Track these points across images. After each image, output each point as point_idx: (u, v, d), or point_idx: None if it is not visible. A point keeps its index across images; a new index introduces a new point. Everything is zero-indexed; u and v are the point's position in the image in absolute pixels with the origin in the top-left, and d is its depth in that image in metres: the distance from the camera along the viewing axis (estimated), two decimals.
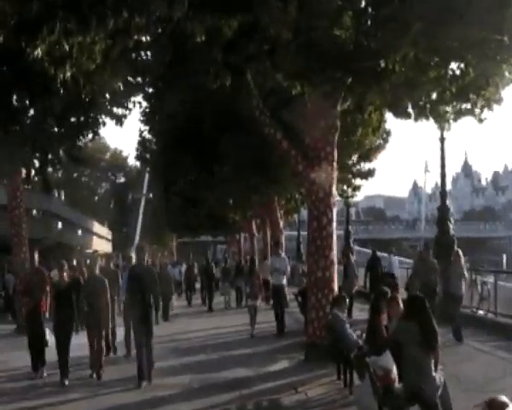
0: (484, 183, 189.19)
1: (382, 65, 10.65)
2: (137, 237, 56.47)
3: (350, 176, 23.94)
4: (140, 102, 20.36)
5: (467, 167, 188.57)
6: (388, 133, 22.90)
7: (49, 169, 30.47)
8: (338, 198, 18.44)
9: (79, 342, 12.15)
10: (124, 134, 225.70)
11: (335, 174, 13.07)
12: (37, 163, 21.31)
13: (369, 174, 24.65)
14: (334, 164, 12.91)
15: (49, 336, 12.01)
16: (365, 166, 24.29)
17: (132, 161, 78.19)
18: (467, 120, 12.75)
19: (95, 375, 11.51)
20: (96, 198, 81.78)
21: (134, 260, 12.90)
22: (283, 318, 16.90)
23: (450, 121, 12.46)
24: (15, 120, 17.08)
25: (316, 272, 12.68)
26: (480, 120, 11.85)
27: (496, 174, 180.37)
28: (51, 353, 11.64)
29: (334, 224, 12.94)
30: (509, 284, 18.30)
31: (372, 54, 10.39)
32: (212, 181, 23.96)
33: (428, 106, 12.09)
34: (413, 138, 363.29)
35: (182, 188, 27.91)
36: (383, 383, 7.35)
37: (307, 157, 12.87)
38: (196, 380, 11.23)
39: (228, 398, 9.93)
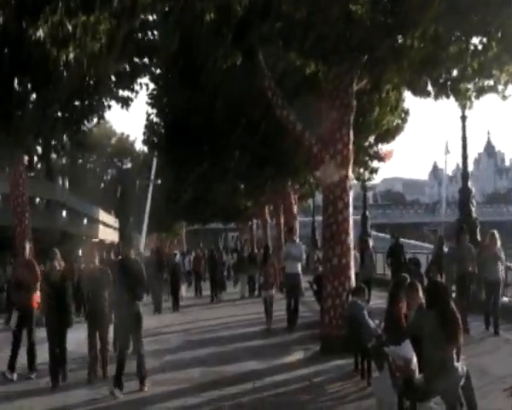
0: (508, 163, 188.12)
1: (400, 41, 10.61)
2: (145, 226, 56.57)
3: (367, 158, 23.88)
4: (147, 84, 20.44)
5: (490, 147, 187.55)
6: (407, 113, 22.76)
7: (53, 156, 30.68)
8: (354, 181, 18.42)
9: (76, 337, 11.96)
10: (130, 118, 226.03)
11: (351, 156, 13.05)
12: (39, 149, 21.45)
13: (386, 157, 24.57)
14: (350, 146, 12.89)
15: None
16: (383, 147, 24.23)
17: (139, 146, 78.31)
18: (489, 98, 12.76)
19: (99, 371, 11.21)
20: (102, 185, 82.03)
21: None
22: (297, 309, 16.41)
23: (472, 99, 12.40)
24: (17, 105, 17.16)
25: (331, 259, 12.69)
26: (504, 97, 11.80)
27: None
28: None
29: (351, 208, 12.94)
30: None
31: (389, 30, 10.35)
32: (224, 169, 24.02)
33: (449, 83, 12.05)
34: (433, 118, 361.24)
35: (193, 175, 27.97)
36: (403, 374, 7.36)
37: (322, 139, 12.87)
38: (208, 373, 11.30)
39: (240, 391, 9.99)
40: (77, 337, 12.09)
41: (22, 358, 11.65)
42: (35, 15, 8.12)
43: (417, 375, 7.27)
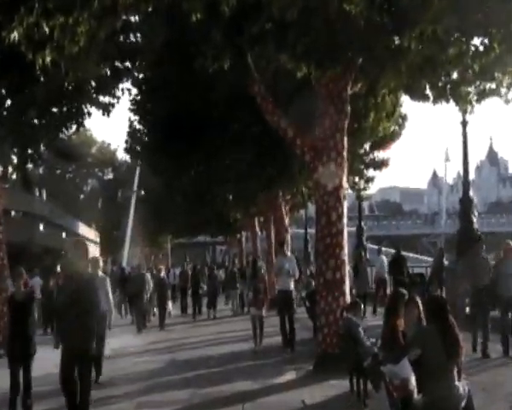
0: (511, 171, 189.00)
1: (397, 42, 10.65)
2: (128, 239, 56.50)
3: (362, 166, 23.96)
4: (129, 89, 20.35)
5: (492, 154, 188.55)
6: (404, 118, 22.89)
7: (30, 165, 30.52)
8: (349, 191, 18.47)
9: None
10: (111, 126, 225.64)
11: (346, 165, 13.09)
12: (15, 159, 21.34)
13: (383, 164, 24.65)
14: (345, 153, 12.93)
15: None
16: (379, 155, 24.31)
17: (122, 155, 78.20)
18: (492, 102, 12.75)
19: None
20: (82, 197, 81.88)
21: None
22: (293, 328, 15.91)
23: (473, 103, 12.44)
24: None
25: (325, 273, 12.70)
26: (507, 101, 11.86)
27: None
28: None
29: (345, 220, 12.97)
30: None
31: (386, 31, 10.39)
32: (214, 177, 23.99)
33: (449, 87, 12.10)
34: (432, 124, 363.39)
35: (178, 185, 27.95)
36: (400, 394, 7.36)
37: (315, 146, 12.90)
38: (196, 395, 11.25)
39: None
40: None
41: None
42: (9, 16, 8.10)
43: (416, 395, 7.26)
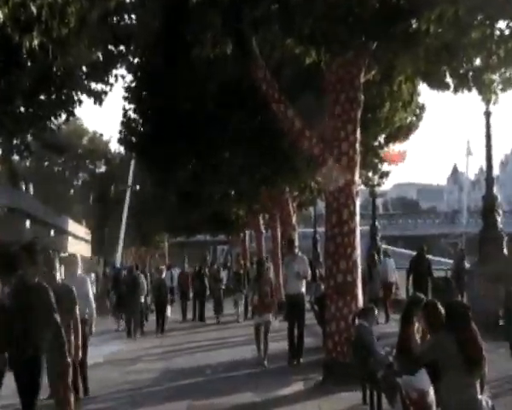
0: None
1: (414, 26, 10.62)
2: (122, 238, 56.48)
3: (376, 160, 23.93)
4: (123, 76, 20.36)
5: None
6: (422, 108, 22.83)
7: (15, 157, 30.56)
8: (362, 187, 18.44)
9: None
10: (104, 115, 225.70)
11: (358, 158, 13.07)
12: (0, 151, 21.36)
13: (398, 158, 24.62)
14: (357, 146, 12.91)
15: None
16: (394, 148, 24.25)
17: (115, 147, 78.10)
18: None
19: None
20: (72, 192, 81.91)
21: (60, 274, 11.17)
22: (302, 337, 15.58)
23: (498, 92, 12.40)
24: None
25: (336, 276, 12.68)
26: None
27: None
28: None
29: (358, 218, 12.95)
30: None
31: (402, 13, 10.36)
32: (214, 171, 23.98)
33: (471, 74, 12.07)
34: (452, 115, 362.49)
35: (177, 179, 27.94)
36: (418, 408, 7.35)
37: (324, 139, 12.88)
38: (194, 407, 11.27)
39: None
40: None
41: None
42: None
43: (434, 409, 7.26)
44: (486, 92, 12.51)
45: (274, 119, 14.31)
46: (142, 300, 23.89)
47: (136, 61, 20.99)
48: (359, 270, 13.10)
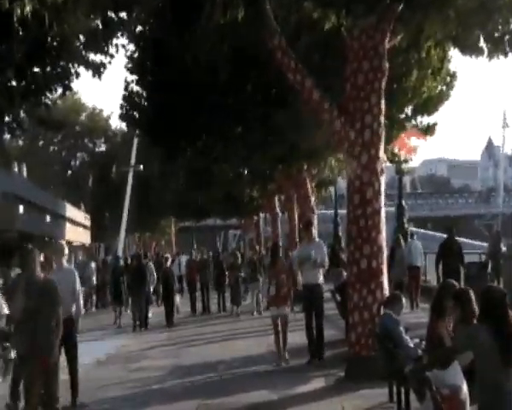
0: None
1: None
2: (124, 223, 56.62)
3: (403, 134, 23.86)
4: (125, 46, 20.33)
5: None
6: (453, 77, 22.73)
7: (7, 136, 30.66)
8: (387, 164, 18.35)
9: None
10: (104, 88, 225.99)
11: (383, 132, 13.05)
12: None
13: (428, 131, 24.51)
14: (382, 118, 12.89)
15: None
16: (423, 120, 24.19)
17: (116, 123, 78.24)
18: None
19: None
20: (69, 173, 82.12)
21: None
22: (322, 332, 15.24)
23: None
24: None
25: (359, 262, 12.70)
26: None
27: None
28: None
29: (383, 198, 12.95)
30: None
31: None
32: (227, 148, 23.99)
33: (507, 37, 12.00)
34: (487, 83, 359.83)
35: (186, 156, 27.94)
36: (450, 405, 7.37)
37: (346, 111, 12.86)
38: (205, 407, 11.35)
39: None
40: None
41: None
42: None
43: (468, 407, 7.27)
44: None
45: (290, 90, 14.29)
46: (152, 290, 24.22)
47: (138, 29, 20.99)
48: (385, 255, 13.11)
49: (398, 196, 31.10)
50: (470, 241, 54.19)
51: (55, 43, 17.10)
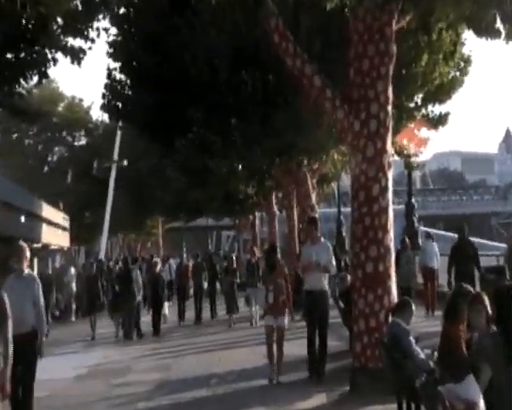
0: None
1: None
2: (107, 224, 56.62)
3: (412, 125, 23.88)
4: (107, 29, 20.33)
5: None
6: (467, 61, 22.75)
7: None
8: (395, 157, 18.38)
9: None
10: (84, 76, 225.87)
11: (390, 122, 13.06)
12: None
13: (440, 122, 24.53)
14: (389, 107, 12.89)
15: None
16: (434, 109, 24.21)
17: (97, 115, 78.17)
18: None
19: None
20: (47, 169, 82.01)
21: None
22: (325, 345, 14.92)
23: None
24: None
25: (365, 265, 12.70)
26: None
27: None
28: None
29: (390, 194, 12.95)
30: None
31: None
32: (220, 141, 23.97)
33: None
34: (504, 68, 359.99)
35: (171, 152, 27.90)
36: None
37: (350, 99, 12.86)
38: None
39: None
40: None
41: None
42: None
43: None
44: None
45: (289, 77, 14.29)
46: (140, 297, 24.25)
47: (121, 10, 20.96)
48: (392, 257, 13.11)
49: (408, 192, 31.15)
50: (486, 242, 54.31)
51: (30, 26, 17.08)
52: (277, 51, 13.59)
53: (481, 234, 68.32)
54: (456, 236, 21.31)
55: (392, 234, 12.97)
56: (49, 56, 18.91)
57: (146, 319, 24.98)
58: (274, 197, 39.40)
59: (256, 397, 12.96)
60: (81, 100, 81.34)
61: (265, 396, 13.00)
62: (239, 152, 25.15)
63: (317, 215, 28.38)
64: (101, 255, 48.66)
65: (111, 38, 23.42)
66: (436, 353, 8.94)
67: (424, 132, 24.86)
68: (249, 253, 31.27)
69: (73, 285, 31.66)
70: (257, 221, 53.20)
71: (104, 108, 28.59)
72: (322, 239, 15.91)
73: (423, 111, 23.79)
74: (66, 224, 68.97)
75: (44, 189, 67.10)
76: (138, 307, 23.98)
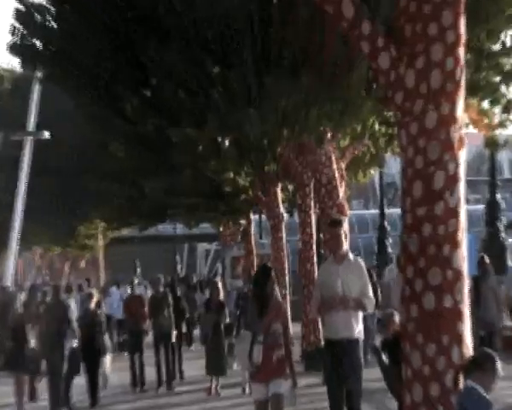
0: None
1: None
2: (16, 231, 56.51)
3: (497, 79, 23.82)
4: None
5: None
6: None
7: None
8: (470, 129, 18.35)
9: None
10: None
11: (463, 75, 12.94)
12: None
13: None
14: (460, 51, 12.78)
15: None
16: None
17: (4, 60, 78.44)
18: None
19: None
20: None
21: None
22: None
23: None
24: None
25: (421, 299, 12.64)
26: None
27: None
28: None
29: (462, 188, 12.85)
30: None
31: None
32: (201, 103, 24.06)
33: None
34: None
35: (117, 119, 27.92)
36: None
37: (400, 38, 12.81)
38: None
39: None
40: None
41: None
42: None
43: None
44: None
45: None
46: (74, 344, 23.67)
47: None
48: (466, 286, 12.98)
49: (490, 184, 31.17)
50: None
51: None
52: None
53: None
54: None
55: (465, 249, 12.88)
56: None
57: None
58: (279, 191, 39.34)
59: None
60: None
61: None
62: (223, 118, 25.03)
63: (346, 219, 28.40)
64: (7, 281, 48.65)
65: None
66: None
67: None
68: (241, 277, 31.42)
69: None
70: (252, 228, 53.09)
71: (14, 49, 28.53)
72: (351, 256, 15.84)
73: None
74: None
75: None
76: (75, 361, 23.59)
